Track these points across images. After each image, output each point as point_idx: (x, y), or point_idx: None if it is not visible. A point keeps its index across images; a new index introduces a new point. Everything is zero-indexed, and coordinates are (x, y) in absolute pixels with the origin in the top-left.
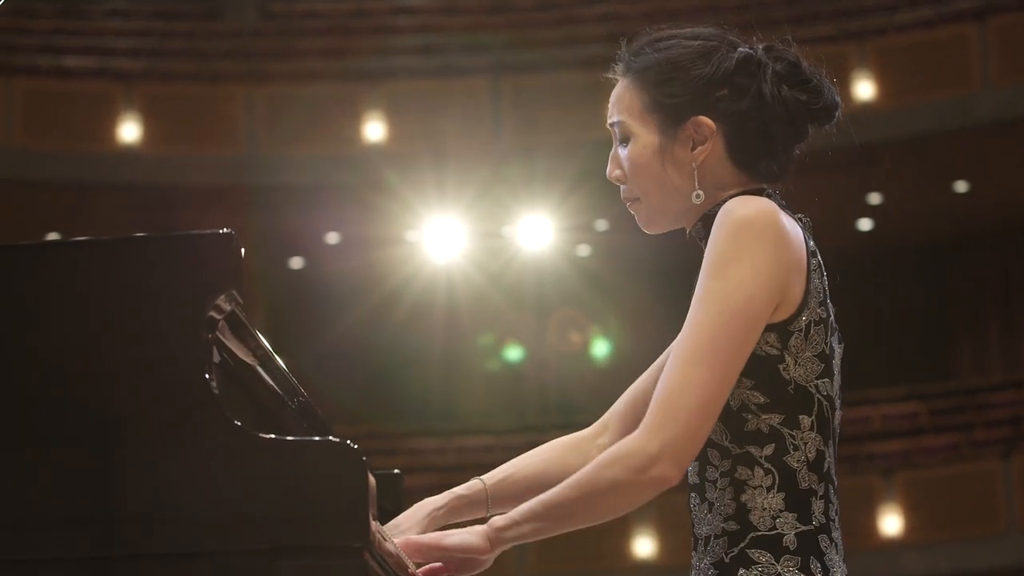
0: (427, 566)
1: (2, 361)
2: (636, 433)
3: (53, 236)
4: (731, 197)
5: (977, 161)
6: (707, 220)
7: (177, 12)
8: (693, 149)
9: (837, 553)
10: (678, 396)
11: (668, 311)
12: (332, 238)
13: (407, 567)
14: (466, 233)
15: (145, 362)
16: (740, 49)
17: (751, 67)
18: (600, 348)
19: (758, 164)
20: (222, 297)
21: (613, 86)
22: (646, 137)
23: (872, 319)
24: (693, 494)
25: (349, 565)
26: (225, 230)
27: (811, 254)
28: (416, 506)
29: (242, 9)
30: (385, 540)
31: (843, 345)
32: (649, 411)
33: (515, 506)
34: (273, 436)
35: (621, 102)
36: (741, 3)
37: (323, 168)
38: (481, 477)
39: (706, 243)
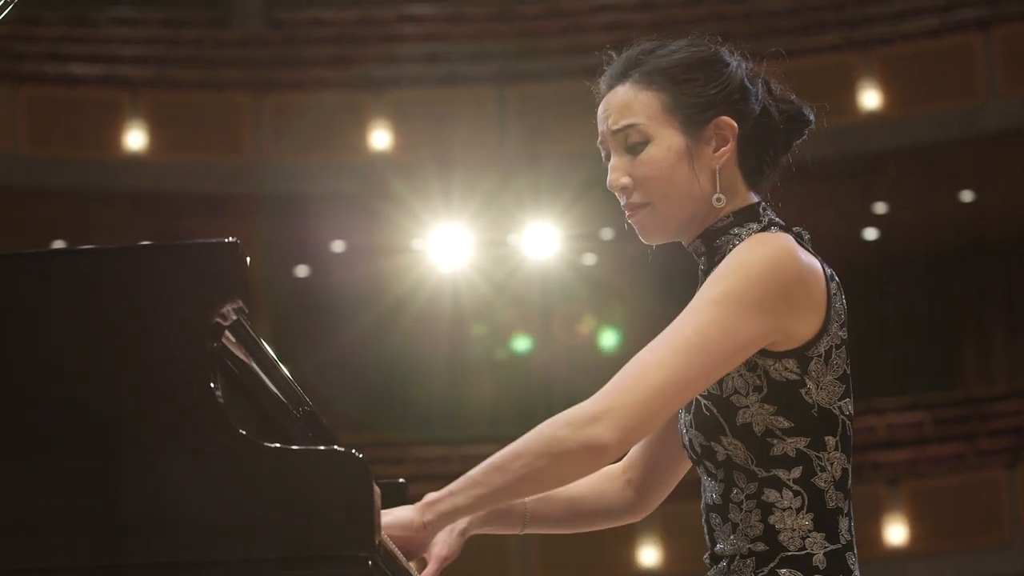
0: None
1: (8, 369)
2: (574, 411)
3: (59, 244)
4: (732, 216)
5: (983, 170)
6: (707, 236)
7: (184, 20)
8: (715, 151)
9: (859, 572)
10: (641, 372)
11: (673, 318)
12: (338, 246)
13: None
14: (472, 242)
15: (150, 371)
16: (740, 59)
17: (754, 77)
18: (606, 356)
19: (762, 171)
20: (227, 305)
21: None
22: (670, 139)
23: (877, 328)
24: (714, 514)
25: (354, 574)
26: (231, 238)
27: (829, 279)
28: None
29: (248, 17)
30: (393, 552)
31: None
32: (614, 378)
33: (552, 527)
34: (278, 445)
35: (631, 107)
36: (747, 13)
37: (329, 176)
38: None
39: (704, 259)
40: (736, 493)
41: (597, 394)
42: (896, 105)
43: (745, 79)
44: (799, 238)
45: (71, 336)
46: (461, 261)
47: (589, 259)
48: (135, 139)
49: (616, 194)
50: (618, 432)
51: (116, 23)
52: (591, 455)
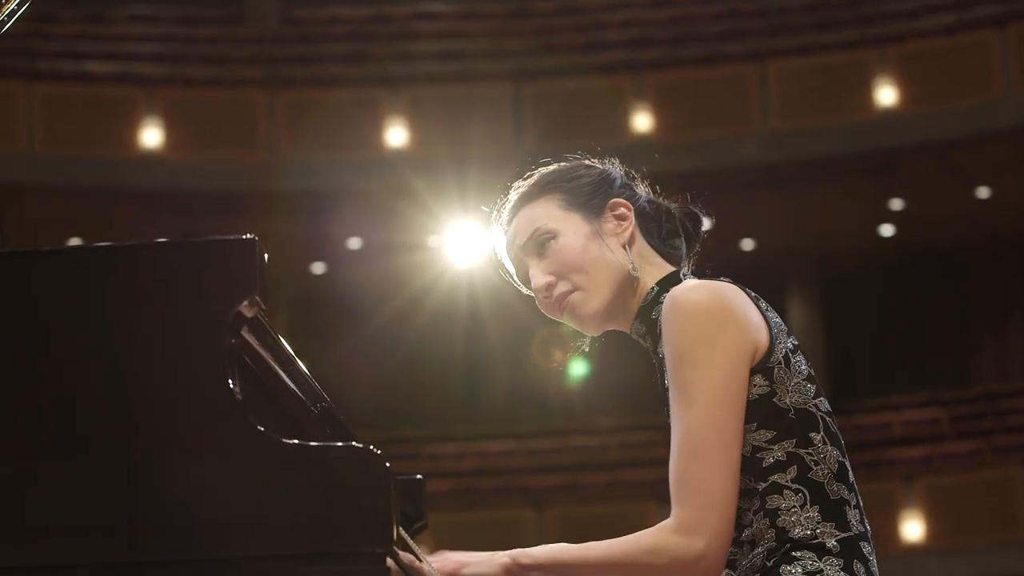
0: None
1: (25, 366)
2: (677, 522)
3: (75, 241)
4: (657, 286)
5: (999, 167)
6: (642, 314)
7: (199, 18)
8: (618, 227)
9: (875, 564)
10: (708, 487)
11: None
12: (354, 243)
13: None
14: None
15: (168, 367)
16: (620, 171)
17: (631, 181)
18: (624, 352)
19: (671, 242)
20: (245, 302)
21: (632, 91)
22: (575, 225)
23: (893, 325)
24: (732, 548)
25: (372, 570)
26: (248, 235)
27: (755, 299)
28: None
29: (264, 15)
30: (413, 549)
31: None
32: (682, 505)
33: None
34: (296, 441)
35: (532, 220)
36: (763, 10)
37: (345, 173)
38: None
39: (649, 339)
40: (745, 516)
41: (687, 529)
42: (912, 102)
43: (624, 177)
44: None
45: (88, 333)
46: (477, 258)
47: None
48: (151, 137)
49: (545, 304)
50: (722, 556)
51: (131, 21)
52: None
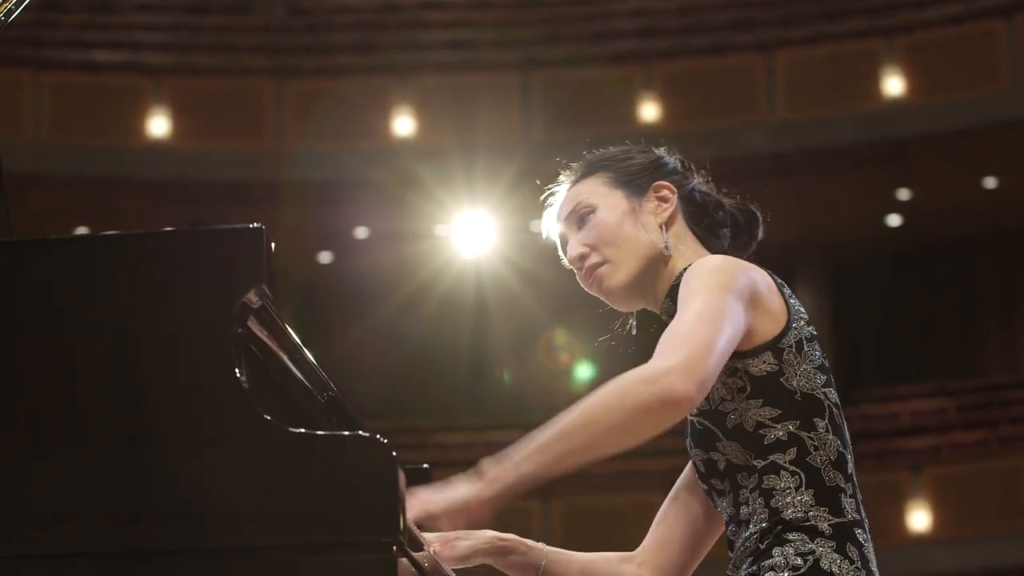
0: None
1: (32, 355)
2: (648, 362)
3: (82, 231)
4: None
5: (1006, 157)
6: (673, 293)
7: (206, 6)
8: (658, 208)
9: (872, 553)
10: (690, 331)
11: None
12: (361, 233)
13: (437, 565)
14: (495, 228)
15: (174, 357)
16: (678, 161)
17: (687, 173)
18: (631, 342)
19: (714, 242)
20: (252, 292)
21: (641, 80)
22: (611, 202)
23: (900, 315)
24: (731, 526)
25: (379, 560)
26: (255, 225)
27: (780, 286)
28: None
29: (271, 4)
30: (419, 539)
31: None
32: (659, 346)
33: None
34: (303, 431)
35: (576, 195)
36: None
37: (352, 163)
38: (544, 546)
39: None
40: (742, 494)
41: (657, 354)
42: (920, 92)
43: (675, 165)
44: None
45: (95, 322)
46: (485, 247)
47: None
48: (158, 126)
49: (579, 276)
50: (691, 382)
51: (138, 10)
52: (668, 407)
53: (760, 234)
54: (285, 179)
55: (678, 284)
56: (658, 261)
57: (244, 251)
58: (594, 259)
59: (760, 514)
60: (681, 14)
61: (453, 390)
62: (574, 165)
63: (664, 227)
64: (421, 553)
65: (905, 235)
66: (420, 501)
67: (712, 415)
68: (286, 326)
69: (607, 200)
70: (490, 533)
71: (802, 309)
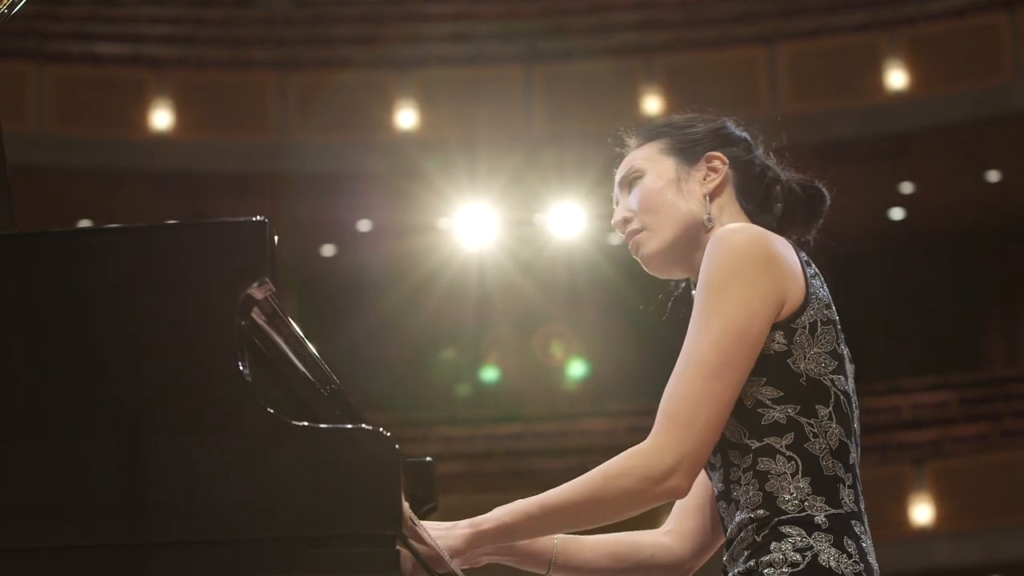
0: None
1: (34, 347)
2: (650, 443)
3: (85, 223)
4: None
5: (1008, 150)
6: None
7: None
8: (706, 178)
9: (870, 545)
10: (695, 409)
11: None
12: (364, 225)
13: (440, 555)
14: (498, 221)
15: (178, 349)
16: (744, 133)
17: (752, 144)
18: (632, 336)
19: (763, 217)
20: (255, 284)
21: (643, 73)
22: (660, 169)
23: (903, 308)
24: (721, 502)
25: (382, 553)
26: (258, 217)
27: (805, 264)
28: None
29: None
30: (418, 528)
31: (854, 366)
32: (662, 421)
33: (575, 570)
34: (306, 423)
35: (632, 160)
36: None
37: (355, 155)
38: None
39: None
40: (734, 471)
41: (659, 442)
42: (922, 85)
43: (739, 136)
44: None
45: (97, 315)
46: (487, 240)
47: (615, 239)
48: (161, 118)
49: (622, 237)
50: (693, 476)
51: (142, 2)
52: (669, 500)
53: (823, 213)
54: (288, 171)
55: None
56: (698, 231)
57: (247, 244)
58: (634, 225)
59: (754, 497)
60: (683, 7)
61: (456, 383)
62: (638, 130)
63: (709, 197)
64: (423, 546)
65: (907, 228)
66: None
67: None
68: (289, 319)
69: (657, 167)
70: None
71: (824, 292)
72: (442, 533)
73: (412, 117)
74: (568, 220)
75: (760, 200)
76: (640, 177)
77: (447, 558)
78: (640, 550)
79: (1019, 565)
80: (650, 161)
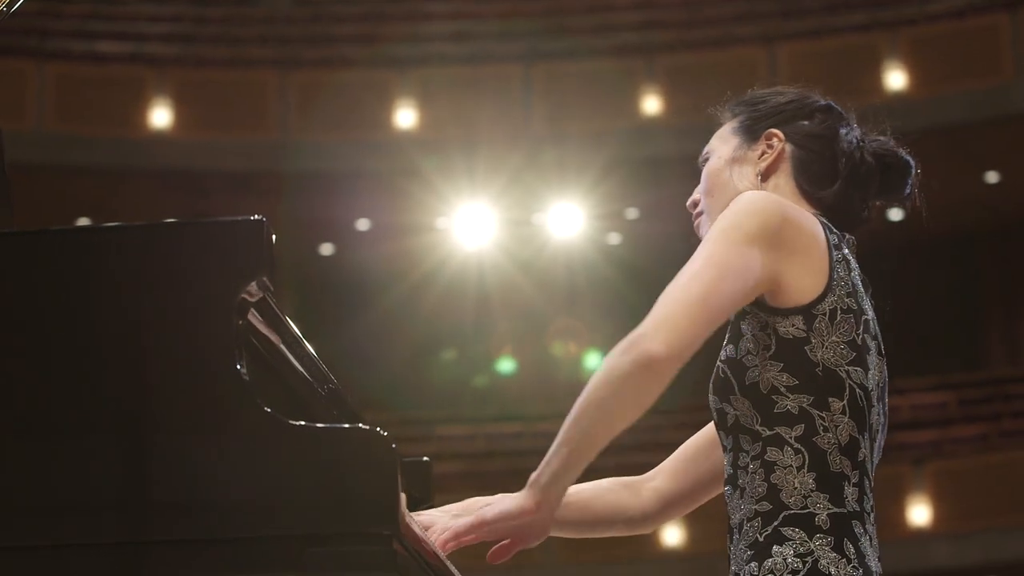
0: (496, 546)
1: (33, 346)
2: (632, 333)
3: (84, 222)
4: None
5: (1008, 151)
6: None
7: None
8: (761, 156)
9: (871, 545)
10: (676, 292)
11: None
12: (363, 224)
13: (437, 554)
14: (497, 220)
15: (176, 348)
16: (829, 101)
17: (835, 113)
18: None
19: (821, 192)
20: (253, 283)
21: (643, 73)
22: (725, 149)
23: (902, 309)
24: (727, 486)
25: (378, 552)
26: (256, 216)
27: (833, 247)
28: (469, 501)
29: None
30: (413, 526)
31: (884, 360)
32: (649, 314)
33: (565, 531)
34: (303, 423)
35: (712, 138)
36: None
37: (354, 154)
38: None
39: None
40: (743, 457)
41: (643, 322)
42: (922, 85)
43: (820, 112)
44: (844, 239)
45: (95, 313)
46: (486, 240)
47: (614, 238)
48: (161, 117)
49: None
50: (666, 343)
51: (143, 0)
52: (646, 371)
53: (906, 183)
54: (287, 170)
55: None
56: None
57: (245, 243)
58: (700, 207)
59: (759, 487)
60: (683, 7)
61: (454, 382)
62: (728, 104)
63: (762, 176)
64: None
65: (907, 229)
66: (474, 515)
67: (735, 365)
68: (286, 318)
69: (723, 146)
70: (480, 501)
71: (852, 279)
72: (497, 497)
73: (412, 116)
74: (567, 220)
75: (818, 176)
76: (708, 157)
77: (443, 556)
78: (619, 512)
79: (1018, 566)
80: (720, 140)
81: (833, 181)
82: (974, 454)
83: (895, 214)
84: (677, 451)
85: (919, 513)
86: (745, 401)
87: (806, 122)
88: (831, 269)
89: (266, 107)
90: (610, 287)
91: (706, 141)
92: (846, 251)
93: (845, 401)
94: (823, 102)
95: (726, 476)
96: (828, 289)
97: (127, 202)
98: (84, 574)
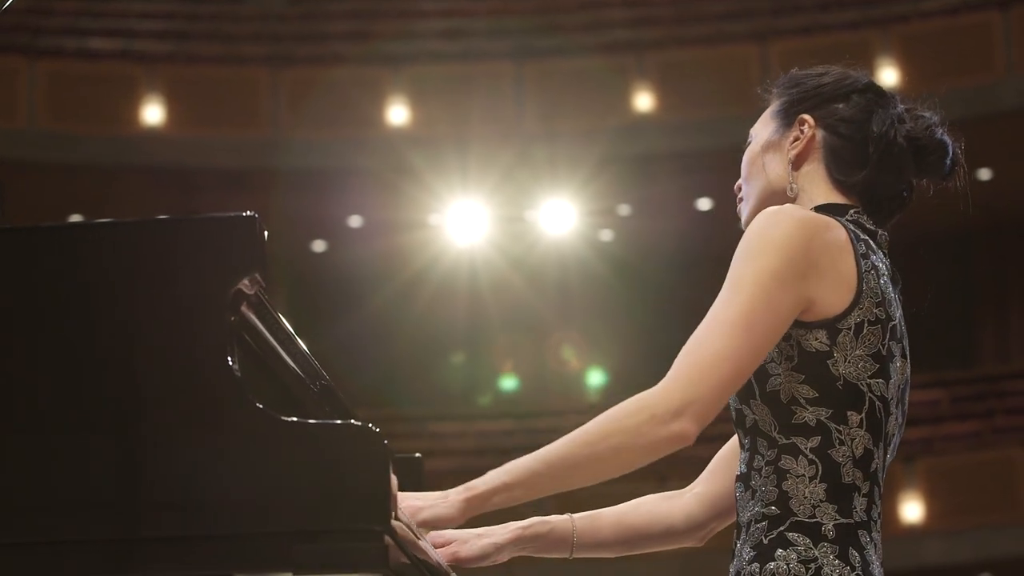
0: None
1: (26, 344)
2: (660, 385)
3: (76, 218)
4: (818, 208)
5: (1001, 148)
6: None
7: None
8: (792, 143)
9: (876, 553)
10: (712, 360)
11: (691, 294)
12: (355, 221)
13: (428, 552)
14: (489, 217)
15: (168, 344)
16: (870, 80)
17: (873, 94)
18: (622, 331)
19: (852, 179)
20: (245, 280)
21: (635, 70)
22: (765, 133)
23: None
24: (739, 484)
25: (370, 548)
26: (248, 213)
27: (861, 256)
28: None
29: None
30: (412, 528)
31: (907, 361)
32: (676, 367)
33: (602, 551)
34: (295, 419)
35: (760, 119)
36: None
37: (346, 151)
38: (570, 515)
39: None
40: (758, 460)
41: (670, 385)
42: (914, 82)
43: (857, 93)
44: (875, 237)
45: (88, 310)
46: (478, 237)
47: (606, 235)
48: (153, 114)
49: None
50: (699, 424)
51: None
52: (676, 446)
53: (945, 164)
54: (279, 167)
55: None
56: (781, 200)
57: (237, 239)
58: (740, 193)
59: (769, 492)
60: (675, 4)
61: (446, 379)
62: (773, 83)
63: (794, 164)
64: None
65: (899, 226)
66: (409, 503)
67: (758, 370)
68: (279, 314)
69: (763, 131)
70: (512, 525)
71: (882, 287)
72: (435, 503)
73: (404, 113)
74: (559, 216)
75: (848, 163)
76: (748, 143)
77: (436, 554)
78: (657, 521)
79: (1009, 563)
80: (762, 123)
81: (863, 167)
82: (966, 451)
83: None
84: (714, 458)
85: (911, 510)
86: (764, 408)
87: (841, 105)
88: (859, 281)
89: (258, 104)
90: (602, 283)
91: (697, 138)
92: (874, 258)
93: (863, 414)
94: (864, 82)
95: (739, 473)
96: (856, 302)
97: (119, 199)
98: (78, 571)
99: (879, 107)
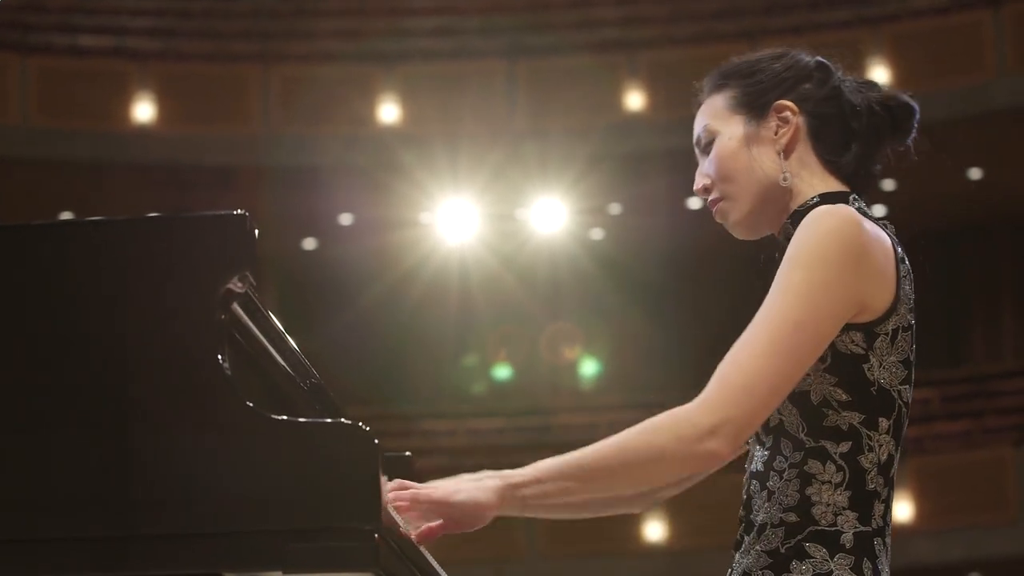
0: (425, 526)
1: (16, 341)
2: (696, 401)
3: (67, 216)
4: (819, 197)
5: (991, 148)
6: (796, 217)
7: None
8: (776, 132)
9: (886, 558)
10: (752, 379)
11: (681, 293)
12: (346, 219)
13: (418, 548)
14: (480, 215)
15: (158, 342)
16: (818, 57)
17: (828, 69)
18: (614, 330)
19: (841, 158)
20: (235, 278)
21: (626, 69)
22: (732, 128)
23: None
24: (754, 481)
25: (360, 547)
26: (239, 211)
27: (899, 261)
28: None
29: None
30: (400, 524)
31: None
32: (715, 382)
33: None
34: (285, 417)
35: (704, 113)
36: None
37: (337, 149)
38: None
39: (785, 242)
40: (779, 461)
41: (706, 401)
42: (905, 82)
43: (817, 71)
44: (886, 230)
45: (78, 307)
46: (469, 235)
47: (597, 234)
48: (144, 111)
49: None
50: (734, 444)
51: None
52: (709, 465)
53: (913, 127)
54: (270, 164)
55: (804, 210)
56: (778, 192)
57: (228, 237)
58: (714, 194)
59: (791, 496)
60: (666, 3)
61: (437, 377)
62: (707, 78)
63: (782, 154)
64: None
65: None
66: (444, 492)
67: None
68: (269, 313)
69: (727, 127)
70: (464, 477)
71: (911, 295)
72: (470, 486)
73: (395, 111)
74: (550, 215)
75: (837, 142)
76: (713, 139)
77: (424, 551)
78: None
79: (999, 563)
80: (721, 120)
81: (848, 144)
82: (957, 451)
83: (877, 211)
84: None
85: (901, 509)
86: (792, 408)
87: (808, 85)
88: (898, 286)
89: (249, 101)
90: (593, 282)
91: (688, 137)
92: (907, 261)
93: (892, 420)
94: (814, 58)
95: (755, 470)
96: (893, 308)
97: (109, 196)
98: (70, 569)
99: (839, 81)
